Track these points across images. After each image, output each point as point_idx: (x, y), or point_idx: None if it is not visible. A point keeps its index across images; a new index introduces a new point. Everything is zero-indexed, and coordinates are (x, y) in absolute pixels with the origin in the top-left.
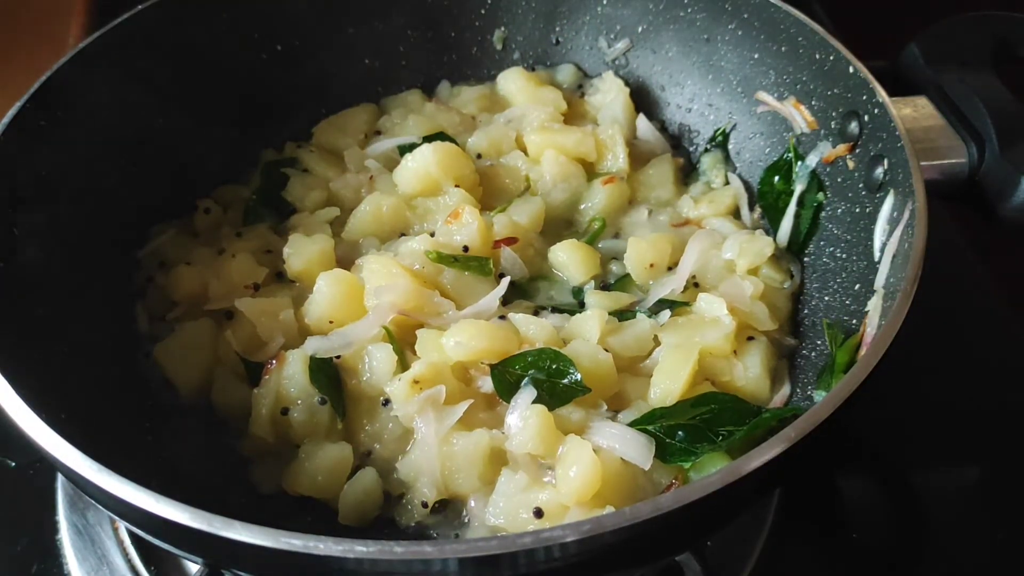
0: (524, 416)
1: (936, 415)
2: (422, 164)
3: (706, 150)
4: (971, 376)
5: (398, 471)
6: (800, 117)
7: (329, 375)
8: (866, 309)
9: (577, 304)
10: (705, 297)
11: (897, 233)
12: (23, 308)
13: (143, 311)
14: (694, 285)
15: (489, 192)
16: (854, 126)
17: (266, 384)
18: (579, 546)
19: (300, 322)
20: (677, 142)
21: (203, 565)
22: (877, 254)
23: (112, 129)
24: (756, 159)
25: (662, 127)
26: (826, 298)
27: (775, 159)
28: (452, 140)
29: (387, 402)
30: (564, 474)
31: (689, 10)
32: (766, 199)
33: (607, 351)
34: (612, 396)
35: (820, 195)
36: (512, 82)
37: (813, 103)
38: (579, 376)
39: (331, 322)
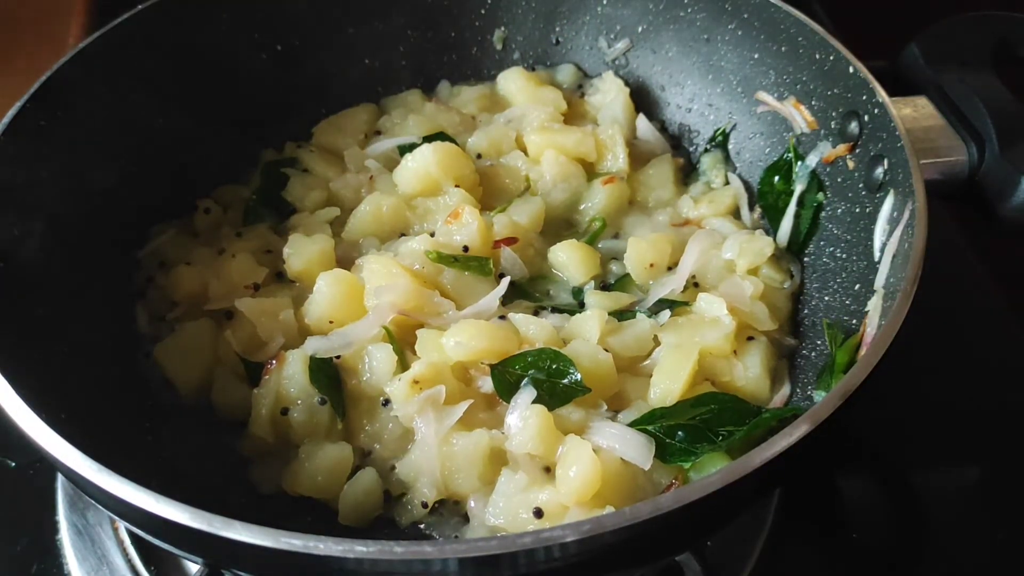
0: (524, 416)
1: (936, 415)
2: (422, 164)
3: (706, 150)
4: (971, 376)
5: (398, 471)
6: (800, 117)
7: (329, 375)
8: (866, 309)
9: (577, 304)
10: (705, 297)
11: (897, 233)
12: (23, 308)
13: (143, 311)
14: (694, 285)
15: (489, 192)
16: (854, 126)
17: (266, 384)
18: (579, 546)
19: (300, 322)
20: (677, 142)
21: (203, 565)
22: (877, 254)
23: (112, 129)
24: (756, 159)
25: (662, 127)
26: (826, 298)
27: (775, 159)
28: (452, 140)
29: (387, 402)
30: (564, 474)
31: (689, 10)
32: (766, 199)
33: (607, 351)
34: (612, 396)
35: (820, 195)
36: (512, 82)
37: (813, 103)
38: (579, 376)
39: (331, 322)
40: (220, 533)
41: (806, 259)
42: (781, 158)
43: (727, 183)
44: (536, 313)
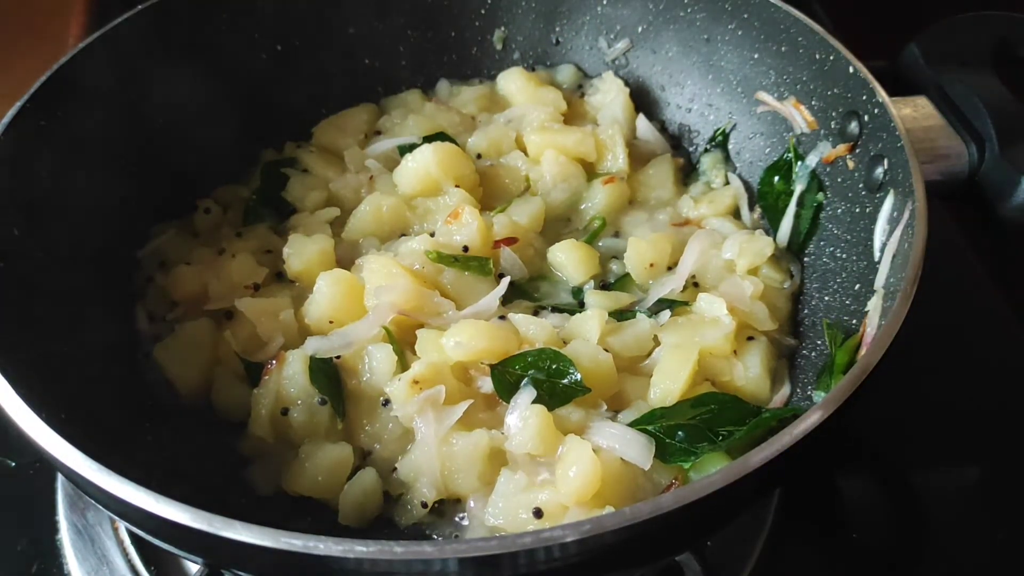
0: (524, 416)
1: (936, 415)
2: (422, 164)
3: (706, 150)
4: (971, 376)
5: (398, 471)
6: (800, 117)
7: (329, 375)
8: (866, 309)
9: (577, 304)
10: (705, 297)
11: (897, 233)
12: (23, 308)
13: (143, 311)
14: (694, 285)
15: (489, 192)
16: (854, 126)
17: (266, 384)
18: (579, 546)
19: (300, 322)
20: (677, 142)
21: (203, 565)
22: (877, 254)
23: (112, 129)
24: (756, 159)
25: (662, 127)
26: (826, 298)
27: (775, 159)
28: (452, 140)
29: (387, 402)
30: (564, 474)
31: (689, 10)
32: (766, 199)
33: (607, 351)
34: (612, 396)
35: (820, 195)
36: (512, 82)
37: (813, 103)
38: (579, 376)
39: (331, 322)
40: (220, 533)
41: (806, 259)
42: (781, 158)
43: (727, 183)
44: (536, 313)
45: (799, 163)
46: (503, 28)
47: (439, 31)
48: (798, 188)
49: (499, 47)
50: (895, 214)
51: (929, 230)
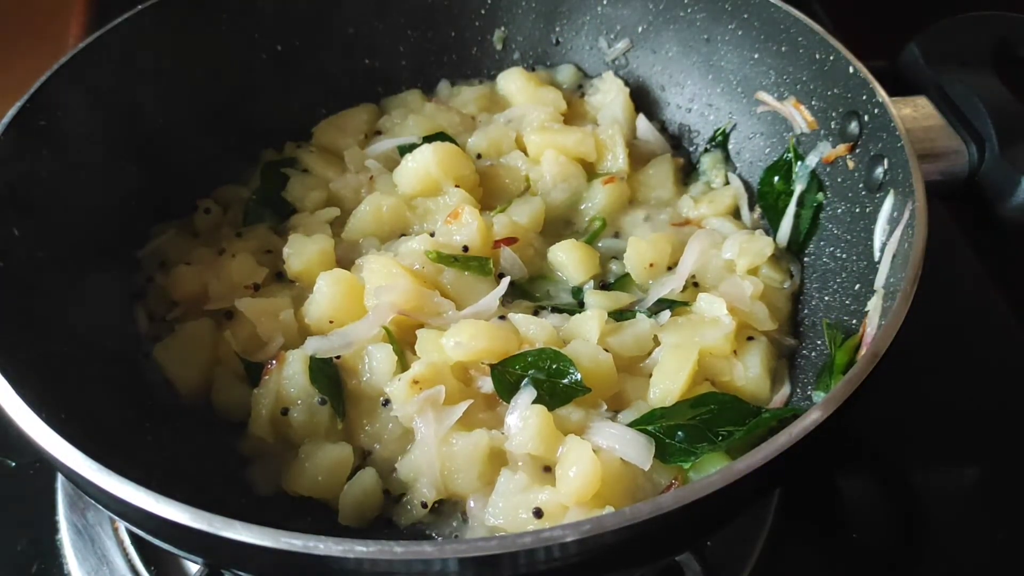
0: (524, 416)
1: (936, 415)
2: (422, 164)
3: (706, 150)
4: (971, 376)
5: (398, 471)
6: (800, 117)
7: (329, 375)
8: (866, 309)
9: (577, 304)
10: (705, 297)
11: (897, 233)
12: (23, 308)
13: (143, 311)
14: (694, 285)
15: (489, 192)
16: (854, 126)
17: (266, 384)
18: (579, 546)
19: (300, 322)
20: (677, 142)
21: (203, 565)
22: (877, 254)
23: (112, 129)
24: (756, 159)
25: (662, 127)
26: (826, 298)
27: (775, 159)
28: (452, 140)
29: (387, 402)
30: (564, 474)
31: (689, 10)
32: (766, 199)
33: (607, 351)
34: (612, 396)
35: (820, 195)
36: (512, 82)
37: (813, 103)
38: (579, 376)
39: (331, 322)
40: (220, 533)
41: (806, 259)
42: (781, 158)
43: (727, 183)
44: (536, 313)
45: (799, 163)
46: (503, 28)
47: (439, 31)
48: (798, 188)
49: (499, 47)
50: (895, 214)
51: (929, 230)
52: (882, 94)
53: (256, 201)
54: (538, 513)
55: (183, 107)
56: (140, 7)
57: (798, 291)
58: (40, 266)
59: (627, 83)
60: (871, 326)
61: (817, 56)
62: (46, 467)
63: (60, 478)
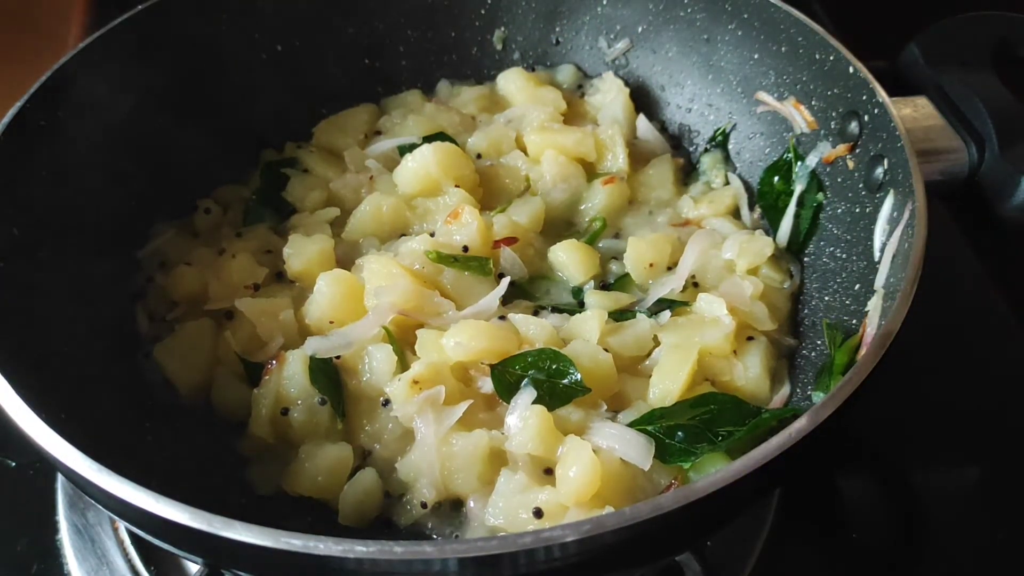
0: (524, 416)
1: (936, 415)
2: (422, 164)
3: (706, 150)
4: (971, 376)
5: (398, 471)
6: (800, 117)
7: (329, 375)
8: (866, 309)
9: (577, 304)
10: (705, 297)
11: (897, 233)
12: (23, 308)
13: (143, 311)
14: (693, 285)
15: (489, 192)
16: (854, 126)
17: (266, 384)
18: (579, 546)
19: (300, 322)
20: (677, 142)
21: (203, 565)
22: (877, 254)
23: (112, 129)
24: (756, 159)
25: (662, 127)
26: (826, 298)
27: (775, 159)
28: (452, 140)
29: (387, 402)
30: (564, 474)
31: (689, 10)
32: (766, 199)
33: (607, 351)
34: (612, 396)
35: (820, 195)
36: (512, 82)
37: (813, 103)
38: (579, 376)
39: (331, 322)
40: (220, 533)
41: (806, 259)
42: (781, 158)
43: (727, 183)
44: (536, 313)
45: (799, 163)
46: (503, 28)
47: (439, 31)
48: (798, 188)
49: (499, 47)
50: (895, 214)
51: (929, 230)
52: (882, 94)
53: (256, 201)
54: (538, 513)
55: (183, 107)
56: (140, 7)
57: (798, 291)
58: (40, 266)
59: (627, 83)
60: (871, 326)
61: (817, 56)
62: (46, 467)
63: (60, 478)
